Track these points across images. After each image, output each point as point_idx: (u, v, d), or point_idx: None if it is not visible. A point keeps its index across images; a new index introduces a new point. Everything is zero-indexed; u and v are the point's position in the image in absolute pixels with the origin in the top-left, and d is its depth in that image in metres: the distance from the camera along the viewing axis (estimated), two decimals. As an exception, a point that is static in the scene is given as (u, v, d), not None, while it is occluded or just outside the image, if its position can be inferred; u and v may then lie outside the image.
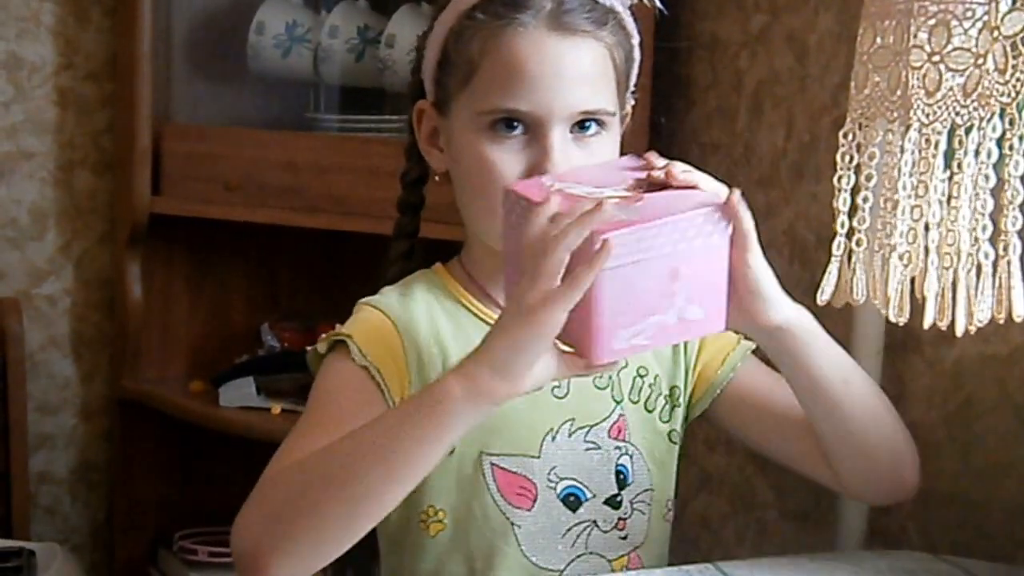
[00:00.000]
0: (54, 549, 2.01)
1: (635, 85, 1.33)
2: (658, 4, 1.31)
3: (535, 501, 1.27)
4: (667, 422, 1.36)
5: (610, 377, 1.32)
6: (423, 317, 1.28)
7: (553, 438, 1.28)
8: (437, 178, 1.34)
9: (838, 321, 1.71)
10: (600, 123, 1.25)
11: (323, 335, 1.27)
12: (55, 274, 2.49)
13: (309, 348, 1.29)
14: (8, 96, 2.43)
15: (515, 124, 1.22)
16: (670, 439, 1.36)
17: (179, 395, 2.37)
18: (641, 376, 1.34)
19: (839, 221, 1.19)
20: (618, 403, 1.32)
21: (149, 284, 2.42)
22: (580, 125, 1.24)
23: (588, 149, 1.24)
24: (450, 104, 1.27)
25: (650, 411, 1.35)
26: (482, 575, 1.27)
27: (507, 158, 1.22)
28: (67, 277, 2.50)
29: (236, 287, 2.53)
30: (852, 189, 1.19)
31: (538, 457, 1.27)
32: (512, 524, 1.27)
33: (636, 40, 1.30)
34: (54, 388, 2.50)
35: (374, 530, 1.23)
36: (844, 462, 1.29)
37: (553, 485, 1.27)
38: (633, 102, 1.34)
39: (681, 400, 1.37)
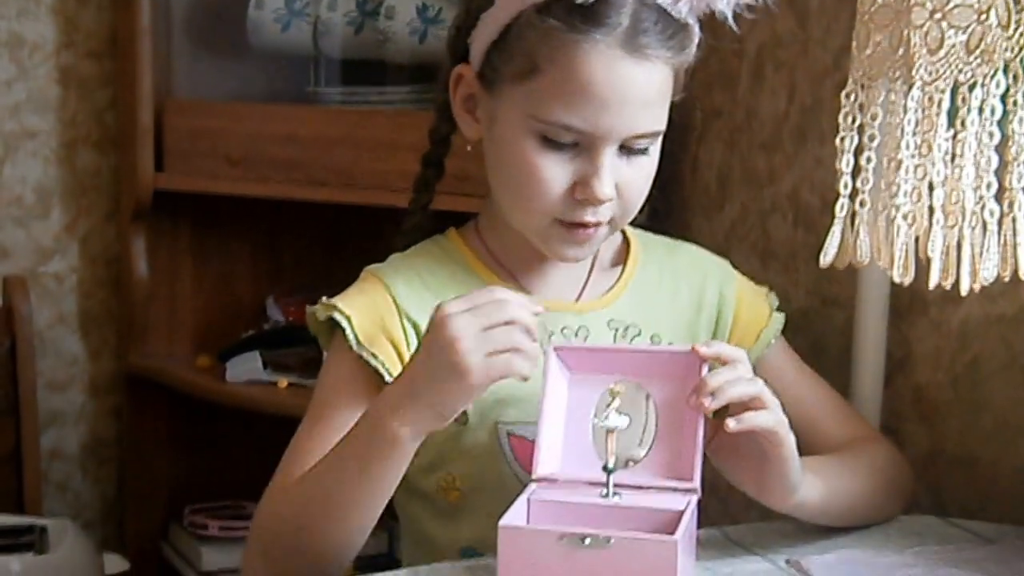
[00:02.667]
0: (66, 525, 2.02)
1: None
2: (730, 21, 1.28)
3: None
4: None
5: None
6: (429, 289, 1.29)
7: None
8: (469, 148, 1.33)
9: (844, 285, 1.71)
10: (652, 140, 1.25)
11: (323, 299, 1.29)
12: (61, 252, 2.50)
13: (309, 309, 1.30)
14: (10, 75, 2.43)
15: (569, 135, 1.22)
16: None
17: (186, 370, 2.38)
18: (654, 341, 1.35)
19: (842, 182, 1.18)
20: None
21: (154, 260, 2.43)
22: (631, 141, 1.23)
23: (635, 163, 1.25)
24: (501, 87, 1.25)
25: None
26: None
27: (555, 169, 1.22)
28: (73, 255, 2.51)
29: (241, 262, 2.54)
30: (855, 150, 1.18)
31: None
32: None
33: (695, 44, 1.28)
34: (62, 365, 2.52)
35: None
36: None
37: None
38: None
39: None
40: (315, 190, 2.25)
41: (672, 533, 1.07)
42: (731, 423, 1.12)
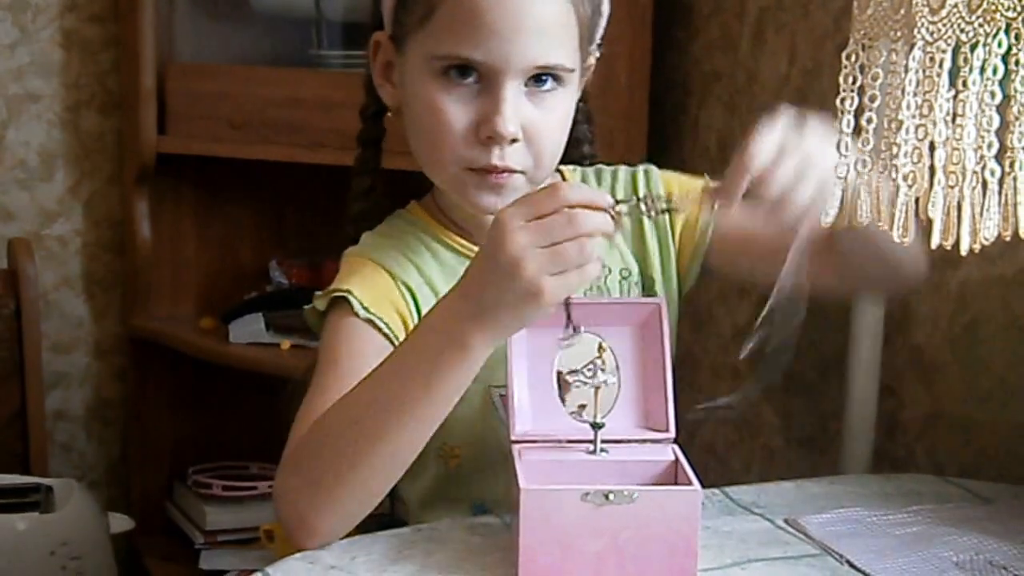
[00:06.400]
0: (71, 485, 2.03)
1: (601, 39, 1.30)
2: None
3: None
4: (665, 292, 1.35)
5: (598, 288, 1.33)
6: (411, 261, 1.30)
7: None
8: (390, 114, 1.33)
9: (843, 246, 1.72)
10: (557, 78, 1.23)
11: (318, 293, 1.28)
12: (65, 215, 2.51)
13: (307, 307, 1.29)
14: (13, 38, 2.44)
15: (468, 72, 1.20)
16: None
17: (190, 332, 2.40)
18: (625, 278, 1.35)
19: (842, 143, 1.19)
20: None
21: (157, 223, 2.44)
22: (536, 79, 1.21)
23: (542, 105, 1.22)
24: (406, 41, 1.25)
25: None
26: (505, 496, 1.29)
27: (457, 107, 1.21)
28: (77, 217, 2.52)
29: (243, 224, 2.55)
30: (855, 111, 1.18)
31: None
32: None
33: None
34: (67, 327, 2.53)
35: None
36: (863, 271, 1.28)
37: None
38: (598, 55, 1.31)
39: (658, 287, 1.36)
40: (317, 153, 2.26)
41: (672, 483, 1.09)
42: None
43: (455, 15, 1.19)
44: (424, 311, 1.26)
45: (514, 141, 1.21)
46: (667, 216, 1.35)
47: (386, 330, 1.24)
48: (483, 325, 1.07)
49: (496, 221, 1.06)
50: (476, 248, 1.30)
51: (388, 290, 1.27)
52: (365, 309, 1.23)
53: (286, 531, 1.16)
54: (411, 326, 1.26)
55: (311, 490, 1.13)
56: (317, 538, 1.13)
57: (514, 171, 1.23)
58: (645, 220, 1.35)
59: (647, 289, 1.35)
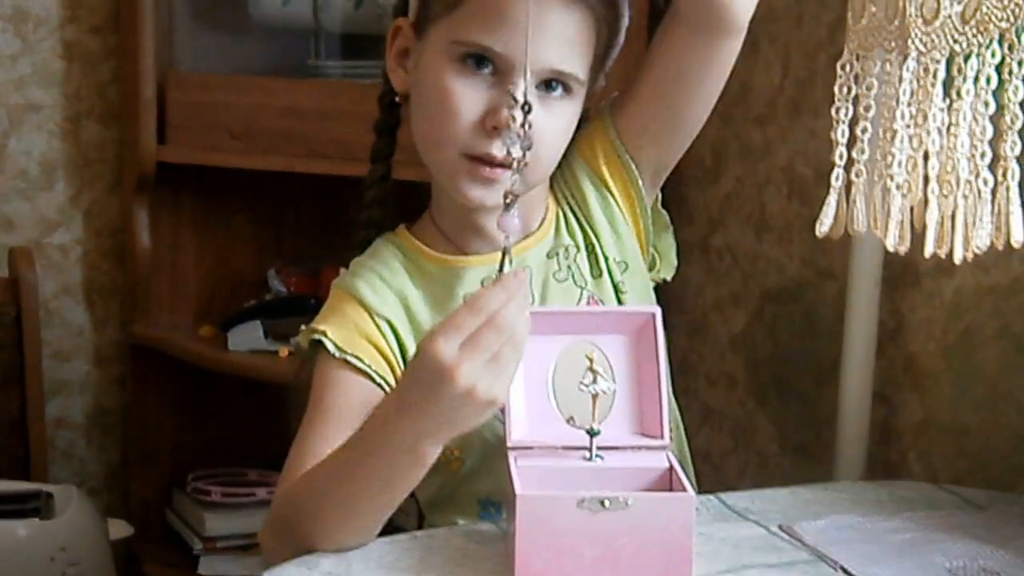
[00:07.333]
0: (71, 491, 2.04)
1: (607, 68, 1.32)
2: None
3: None
4: (618, 263, 1.36)
5: (568, 267, 1.35)
6: (392, 290, 1.32)
7: None
8: (397, 98, 1.35)
9: (837, 256, 1.73)
10: (567, 88, 1.25)
11: (303, 327, 1.31)
12: (65, 224, 2.52)
13: (293, 340, 1.32)
14: (15, 49, 2.45)
15: (485, 63, 1.23)
16: (624, 273, 1.37)
17: (189, 340, 2.40)
18: (591, 251, 1.36)
19: (837, 153, 1.19)
20: (582, 288, 1.34)
21: (157, 232, 2.45)
22: (547, 84, 1.24)
23: (549, 110, 1.24)
24: (428, 27, 1.27)
25: (611, 273, 1.36)
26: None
27: (469, 93, 1.23)
28: (77, 226, 2.53)
29: (242, 233, 2.56)
30: (850, 121, 1.19)
31: None
32: None
33: (624, 22, 1.30)
34: (68, 335, 2.54)
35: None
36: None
37: None
38: (603, 83, 1.33)
39: (608, 250, 1.36)
40: (315, 162, 2.26)
41: (667, 490, 1.10)
42: None
43: (483, 5, 1.22)
44: (405, 341, 1.30)
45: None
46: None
47: (363, 366, 1.27)
48: (440, 438, 1.10)
49: (431, 358, 1.05)
50: (463, 258, 1.33)
51: (364, 325, 1.29)
52: (340, 350, 1.27)
53: None
54: (390, 358, 1.29)
55: (294, 550, 1.16)
56: None
57: (510, 167, 1.23)
58: (588, 194, 1.36)
59: (607, 260, 1.36)
